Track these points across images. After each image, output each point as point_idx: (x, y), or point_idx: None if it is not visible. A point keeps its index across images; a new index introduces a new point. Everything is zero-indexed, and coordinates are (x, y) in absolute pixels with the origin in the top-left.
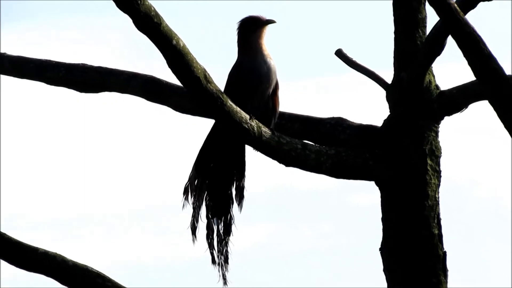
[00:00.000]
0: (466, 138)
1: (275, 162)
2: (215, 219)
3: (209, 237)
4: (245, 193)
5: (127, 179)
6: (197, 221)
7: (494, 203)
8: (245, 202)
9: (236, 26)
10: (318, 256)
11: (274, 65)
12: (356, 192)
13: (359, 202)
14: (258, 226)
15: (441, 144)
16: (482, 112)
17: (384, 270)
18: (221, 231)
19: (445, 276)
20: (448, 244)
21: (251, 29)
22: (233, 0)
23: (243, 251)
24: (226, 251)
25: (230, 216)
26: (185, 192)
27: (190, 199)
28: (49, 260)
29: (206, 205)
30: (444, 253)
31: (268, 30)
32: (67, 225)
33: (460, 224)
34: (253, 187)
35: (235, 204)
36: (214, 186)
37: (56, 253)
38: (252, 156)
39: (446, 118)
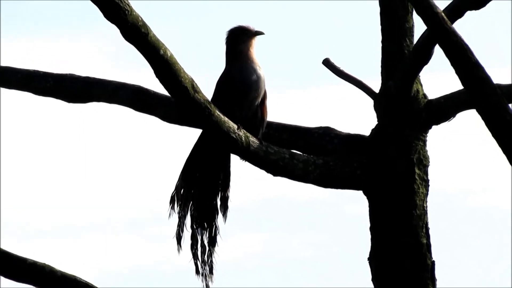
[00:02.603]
0: (454, 147)
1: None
2: (199, 229)
3: (194, 247)
4: (230, 204)
5: (115, 189)
6: (182, 231)
7: (489, 211)
8: (229, 213)
9: (225, 35)
10: (311, 265)
11: (263, 75)
12: (350, 201)
13: (353, 212)
14: (252, 235)
15: (429, 153)
16: (469, 121)
17: (372, 280)
18: (206, 242)
19: (434, 285)
20: (442, 253)
21: (240, 39)
22: (221, 10)
23: (237, 260)
24: (211, 261)
25: (215, 226)
26: (171, 201)
27: (176, 208)
28: (37, 271)
29: (191, 215)
30: (433, 262)
31: (256, 40)
32: (55, 234)
33: (455, 233)
34: (247, 197)
35: (220, 215)
36: (200, 195)
37: (44, 263)
38: (245, 167)
39: (434, 127)
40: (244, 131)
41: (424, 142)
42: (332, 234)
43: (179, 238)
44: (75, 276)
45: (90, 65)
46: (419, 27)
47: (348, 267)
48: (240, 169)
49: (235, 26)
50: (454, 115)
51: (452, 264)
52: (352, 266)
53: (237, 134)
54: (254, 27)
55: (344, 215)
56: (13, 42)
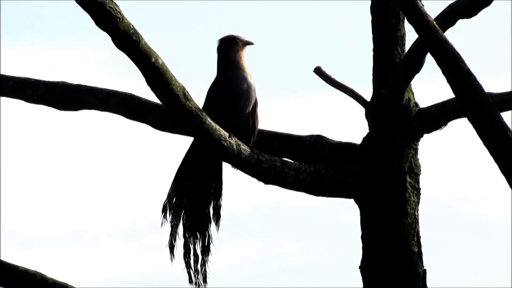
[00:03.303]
0: (446, 155)
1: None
2: (192, 238)
3: (186, 256)
4: (222, 212)
5: (106, 197)
6: (175, 240)
7: (483, 219)
8: (222, 221)
9: (216, 43)
10: (304, 272)
11: (254, 83)
12: (343, 209)
13: (346, 219)
14: (245, 243)
15: (421, 161)
16: (461, 129)
17: None
18: (199, 250)
19: None
20: (435, 261)
21: (230, 48)
22: (212, 19)
23: (231, 267)
24: (205, 270)
25: (208, 235)
26: (164, 210)
27: (168, 217)
28: (29, 279)
29: (183, 224)
30: (424, 271)
31: (247, 49)
32: (46, 243)
33: (448, 241)
34: (240, 204)
35: (213, 224)
36: (192, 204)
37: (36, 271)
38: (238, 174)
39: (425, 135)
40: (236, 139)
41: (416, 150)
42: (325, 241)
43: (172, 247)
44: (66, 284)
45: (83, 73)
46: (410, 35)
47: (341, 275)
48: (233, 176)
49: (226, 35)
50: (445, 124)
51: (445, 272)
52: (345, 274)
53: (228, 142)
54: (245, 36)
55: (337, 223)
56: (5, 49)
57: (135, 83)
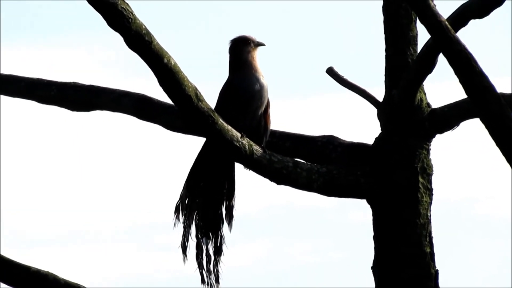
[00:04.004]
0: (458, 155)
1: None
2: (204, 238)
3: (199, 256)
4: (235, 212)
5: (119, 198)
6: (188, 240)
7: (494, 219)
8: (235, 221)
9: (228, 44)
10: (316, 272)
11: (267, 84)
12: (355, 209)
13: (358, 219)
14: (258, 243)
15: (433, 162)
16: (473, 130)
17: None
18: (212, 251)
19: None
20: (447, 262)
21: (242, 49)
22: (224, 19)
23: (244, 267)
24: (217, 271)
25: (221, 235)
26: (176, 211)
27: (181, 218)
28: (41, 279)
29: (196, 224)
30: (436, 271)
31: (260, 50)
32: (61, 242)
33: (460, 241)
34: (253, 204)
35: (225, 224)
36: (204, 205)
37: (48, 271)
38: (251, 174)
39: (437, 136)
40: (248, 139)
41: (428, 151)
42: (337, 241)
43: (184, 248)
44: (78, 284)
45: (94, 73)
46: (423, 35)
47: (353, 275)
48: (246, 177)
49: (238, 36)
50: (457, 124)
51: (457, 272)
52: (358, 274)
53: (240, 143)
54: (257, 37)
55: (349, 223)
56: (14, 51)
57: (145, 85)
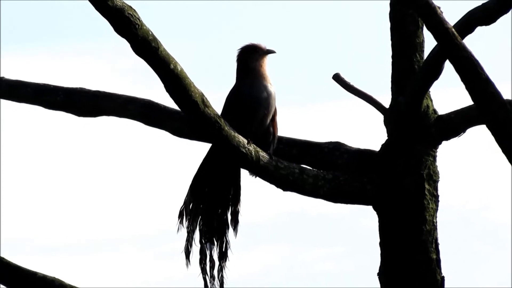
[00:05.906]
0: (464, 162)
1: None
2: (208, 244)
3: (202, 262)
4: (240, 218)
5: (124, 204)
6: (191, 246)
7: (502, 226)
8: (246, 228)
9: (236, 52)
10: (328, 278)
11: (274, 91)
12: (366, 215)
13: (369, 225)
14: (270, 249)
15: (439, 168)
16: (480, 136)
17: None
18: (216, 256)
19: None
20: (453, 269)
21: (251, 56)
22: (231, 26)
23: (256, 274)
24: (222, 276)
25: (226, 241)
26: (180, 216)
27: (185, 223)
28: (47, 285)
29: (199, 230)
30: (442, 278)
31: (268, 57)
32: (69, 250)
33: (467, 248)
34: (264, 211)
35: (231, 230)
36: (209, 210)
37: (54, 277)
38: (261, 181)
39: (444, 142)
40: (254, 145)
41: (434, 157)
42: (348, 248)
43: (187, 253)
44: None
45: (100, 79)
46: (429, 42)
47: (360, 282)
48: (257, 184)
49: (247, 44)
50: (464, 131)
51: (463, 279)
52: (364, 280)
53: (247, 149)
54: (266, 45)
55: (360, 229)
56: (20, 57)
57: (151, 92)
